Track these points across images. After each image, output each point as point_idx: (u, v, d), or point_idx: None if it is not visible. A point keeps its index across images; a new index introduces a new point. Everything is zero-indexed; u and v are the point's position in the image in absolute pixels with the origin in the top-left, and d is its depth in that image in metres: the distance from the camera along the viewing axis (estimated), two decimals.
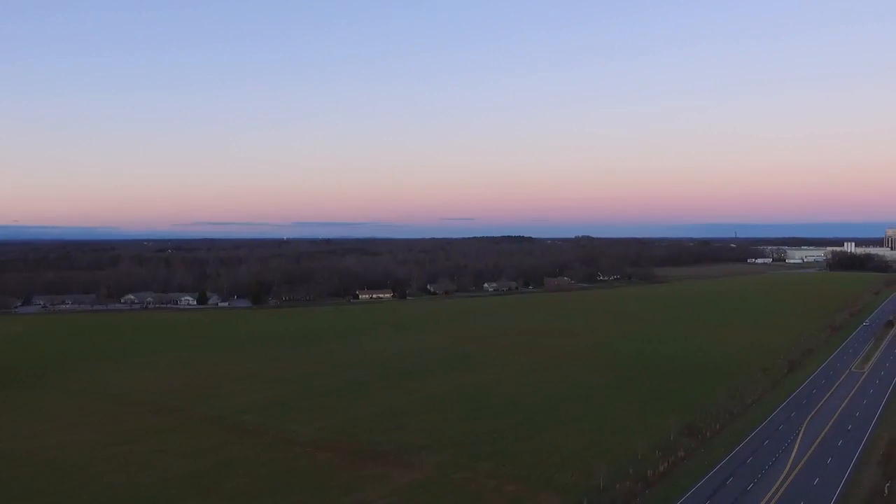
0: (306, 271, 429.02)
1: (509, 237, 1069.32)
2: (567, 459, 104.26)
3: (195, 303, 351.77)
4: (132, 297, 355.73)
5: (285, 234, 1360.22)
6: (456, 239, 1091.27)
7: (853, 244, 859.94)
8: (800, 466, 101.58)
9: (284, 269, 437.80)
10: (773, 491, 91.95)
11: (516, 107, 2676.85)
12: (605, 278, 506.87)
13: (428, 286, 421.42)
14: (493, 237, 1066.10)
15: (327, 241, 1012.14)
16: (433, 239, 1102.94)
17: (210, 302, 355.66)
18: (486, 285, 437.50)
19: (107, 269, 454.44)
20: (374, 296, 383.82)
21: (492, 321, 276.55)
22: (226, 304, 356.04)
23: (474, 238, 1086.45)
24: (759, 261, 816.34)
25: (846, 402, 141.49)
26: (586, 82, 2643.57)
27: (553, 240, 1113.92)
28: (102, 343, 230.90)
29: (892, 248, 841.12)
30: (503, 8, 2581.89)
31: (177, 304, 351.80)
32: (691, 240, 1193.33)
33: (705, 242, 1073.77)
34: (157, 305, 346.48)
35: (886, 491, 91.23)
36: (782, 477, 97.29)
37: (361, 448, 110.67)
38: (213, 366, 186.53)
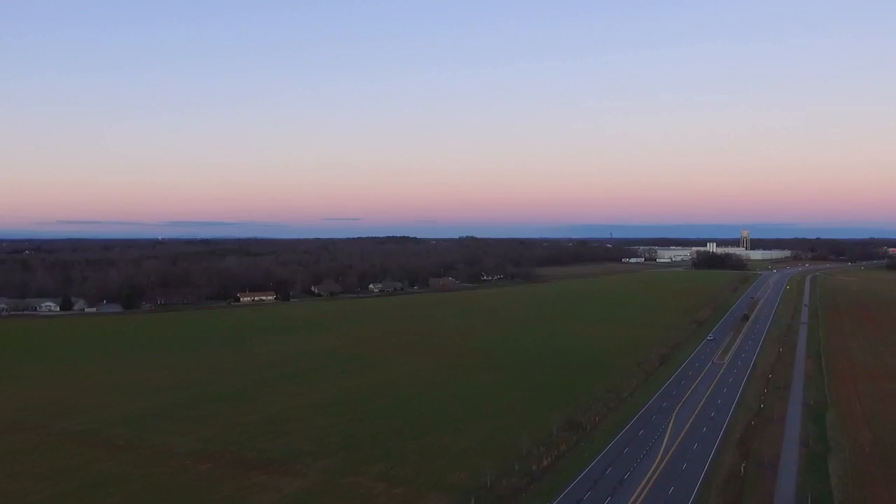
0: (183, 273, 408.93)
1: (394, 237, 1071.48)
2: (455, 459, 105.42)
3: (58, 309, 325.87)
4: None
5: (160, 234, 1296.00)
6: (340, 239, 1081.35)
7: (714, 244, 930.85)
8: (670, 454, 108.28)
9: (159, 271, 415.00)
10: (646, 478, 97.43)
11: (399, 106, 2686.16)
12: (489, 278, 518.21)
13: (312, 287, 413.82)
14: (378, 237, 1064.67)
15: (205, 242, 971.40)
16: (317, 239, 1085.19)
17: (75, 308, 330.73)
18: (371, 286, 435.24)
19: None
20: (257, 298, 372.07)
21: (378, 322, 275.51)
22: (93, 309, 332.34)
23: (359, 238, 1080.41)
24: (633, 260, 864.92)
25: (709, 391, 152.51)
26: (467, 82, 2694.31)
27: (438, 240, 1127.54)
28: None
29: (746, 248, 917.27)
30: (378, 6, 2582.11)
31: (36, 310, 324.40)
32: (570, 240, 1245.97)
33: (583, 243, 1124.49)
34: (11, 313, 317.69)
35: (742, 471, 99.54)
36: (655, 464, 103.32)
37: (245, 457, 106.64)
38: (78, 377, 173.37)
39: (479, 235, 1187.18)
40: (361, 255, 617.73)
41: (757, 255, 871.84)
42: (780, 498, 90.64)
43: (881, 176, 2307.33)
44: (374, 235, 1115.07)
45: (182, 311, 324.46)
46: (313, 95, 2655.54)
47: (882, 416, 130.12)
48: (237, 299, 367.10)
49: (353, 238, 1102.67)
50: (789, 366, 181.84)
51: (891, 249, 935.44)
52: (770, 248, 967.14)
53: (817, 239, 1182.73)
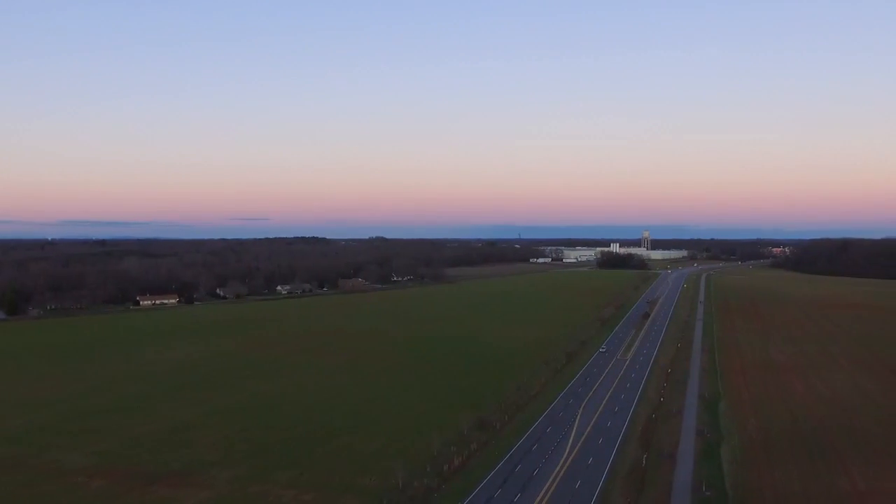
0: (76, 276, 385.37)
1: (303, 238, 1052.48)
2: (366, 462, 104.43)
3: None
4: None
5: (49, 234, 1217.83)
6: (247, 240, 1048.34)
7: (618, 245, 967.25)
8: (577, 449, 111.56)
9: (49, 274, 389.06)
10: (555, 473, 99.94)
11: (305, 104, 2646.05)
12: (399, 279, 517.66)
13: (217, 290, 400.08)
14: (287, 238, 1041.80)
15: (102, 242, 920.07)
16: (222, 240, 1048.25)
17: None
18: (279, 288, 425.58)
19: None
20: (158, 301, 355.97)
21: (286, 325, 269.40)
22: None
23: (266, 239, 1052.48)
24: (540, 260, 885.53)
25: (613, 386, 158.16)
26: (374, 80, 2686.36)
27: (348, 240, 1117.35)
28: None
29: (647, 249, 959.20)
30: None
31: None
32: (479, 241, 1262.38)
33: (492, 243, 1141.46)
34: None
35: (644, 462, 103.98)
36: (562, 459, 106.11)
37: (144, 470, 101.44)
38: None
39: (389, 236, 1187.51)
40: (269, 256, 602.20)
41: (657, 255, 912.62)
42: (678, 486, 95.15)
43: (767, 181, 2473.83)
44: (282, 236, 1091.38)
45: (75, 317, 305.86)
46: (217, 91, 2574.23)
47: (767, 405, 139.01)
48: (137, 303, 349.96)
49: (261, 238, 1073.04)
50: (686, 360, 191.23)
51: (775, 250, 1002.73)
52: (669, 249, 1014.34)
53: (711, 240, 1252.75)
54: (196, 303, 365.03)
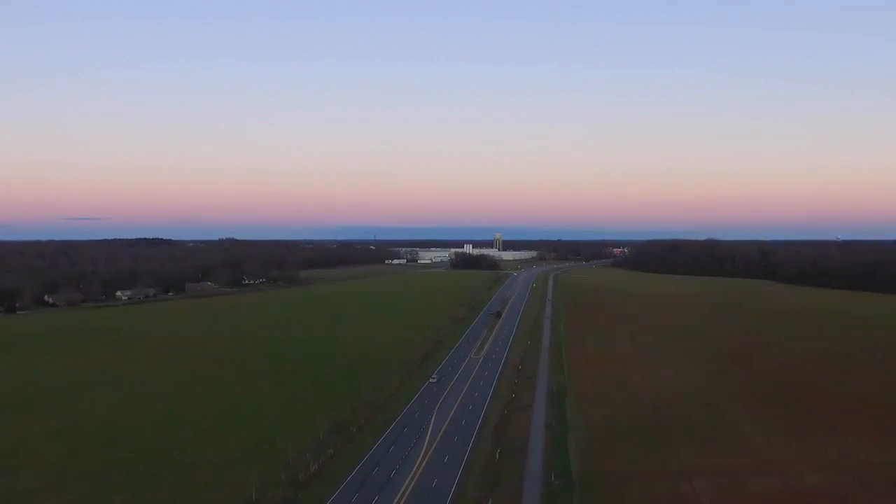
0: None
1: (145, 239, 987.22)
2: (217, 475, 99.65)
3: None
4: None
5: None
6: (81, 241, 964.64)
7: (471, 246, 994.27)
8: (433, 448, 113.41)
9: None
10: (412, 473, 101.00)
11: (146, 96, 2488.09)
12: (251, 282, 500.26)
13: (46, 297, 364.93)
14: (127, 239, 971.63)
15: None
16: (52, 241, 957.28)
17: None
18: (118, 293, 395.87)
19: None
20: None
21: (127, 333, 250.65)
22: None
23: (104, 240, 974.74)
24: (396, 261, 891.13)
25: (467, 385, 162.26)
26: (222, 77, 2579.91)
27: (195, 242, 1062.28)
28: None
29: (499, 249, 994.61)
30: None
31: None
32: (334, 242, 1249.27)
33: (347, 244, 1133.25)
34: None
35: (497, 456, 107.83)
36: (419, 459, 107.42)
37: None
38: None
39: (239, 237, 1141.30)
40: (107, 259, 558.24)
41: (508, 255, 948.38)
42: (529, 476, 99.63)
43: (605, 185, 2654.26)
44: (121, 237, 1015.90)
45: None
46: (40, 77, 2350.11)
47: (609, 397, 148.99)
48: None
49: (97, 240, 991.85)
50: (536, 357, 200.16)
51: (615, 250, 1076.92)
52: (520, 249, 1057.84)
53: (559, 240, 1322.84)
54: (19, 312, 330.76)
